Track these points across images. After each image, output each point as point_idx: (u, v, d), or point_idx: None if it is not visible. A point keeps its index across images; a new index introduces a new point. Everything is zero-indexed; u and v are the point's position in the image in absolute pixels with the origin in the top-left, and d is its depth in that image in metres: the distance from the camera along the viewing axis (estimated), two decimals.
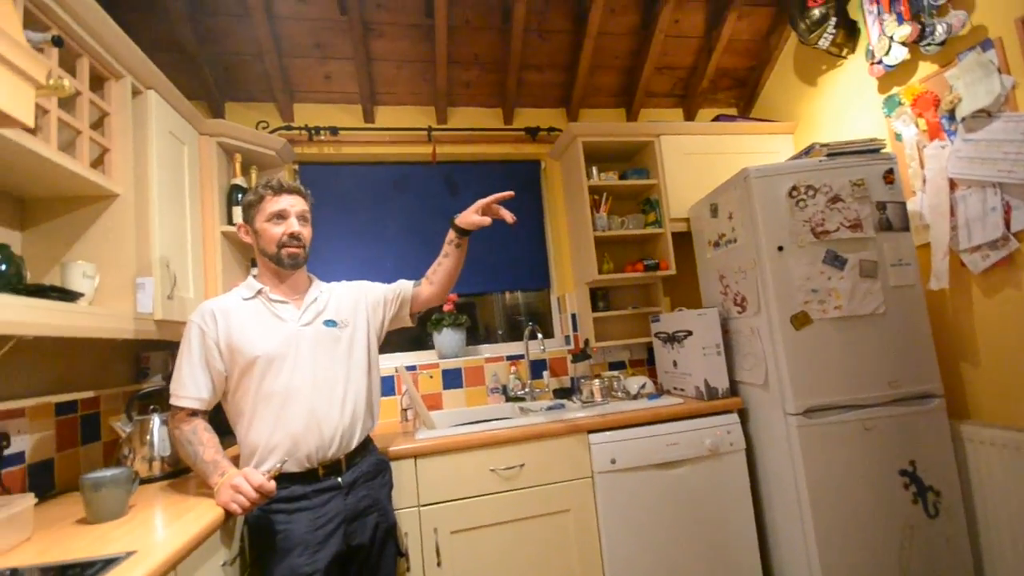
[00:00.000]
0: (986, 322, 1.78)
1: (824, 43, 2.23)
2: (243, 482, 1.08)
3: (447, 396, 2.35)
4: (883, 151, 1.91)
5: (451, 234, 1.48)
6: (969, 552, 1.72)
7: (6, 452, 1.21)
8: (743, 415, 1.95)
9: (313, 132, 2.32)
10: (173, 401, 1.22)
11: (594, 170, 2.42)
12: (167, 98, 1.63)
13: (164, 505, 1.17)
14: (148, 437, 1.44)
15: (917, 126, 1.95)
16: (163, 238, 1.52)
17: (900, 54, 1.94)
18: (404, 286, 1.53)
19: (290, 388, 1.23)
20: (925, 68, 1.92)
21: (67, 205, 1.37)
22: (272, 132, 2.23)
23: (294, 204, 1.32)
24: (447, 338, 2.36)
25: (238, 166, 1.98)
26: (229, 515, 1.09)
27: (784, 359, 1.75)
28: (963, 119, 1.76)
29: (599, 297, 2.49)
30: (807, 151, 1.97)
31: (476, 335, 2.61)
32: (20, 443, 1.28)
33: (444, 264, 1.50)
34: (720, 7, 2.44)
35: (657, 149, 2.41)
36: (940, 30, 1.77)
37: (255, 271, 1.41)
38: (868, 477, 1.71)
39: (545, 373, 2.44)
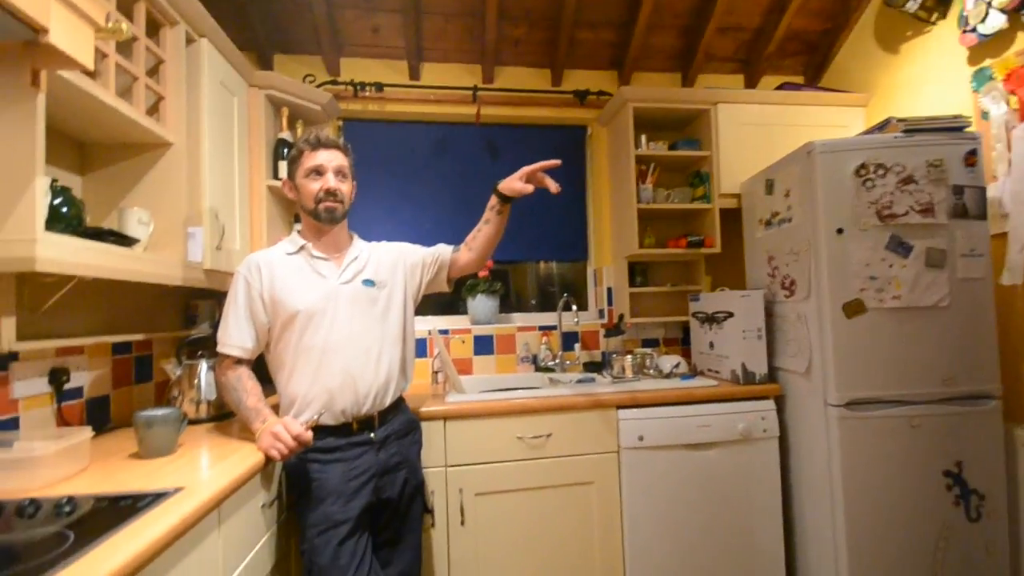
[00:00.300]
0: None
1: (913, 5, 2.03)
2: (283, 430, 1.13)
3: (477, 362, 2.38)
4: (967, 130, 1.74)
5: (493, 200, 1.44)
6: (1008, 559, 1.65)
7: (66, 387, 1.30)
8: (780, 402, 1.89)
9: (358, 88, 2.30)
10: (220, 349, 1.27)
11: (643, 139, 2.32)
12: (219, 47, 1.63)
13: (209, 446, 1.24)
14: (196, 381, 1.52)
15: (1008, 104, 1.76)
16: (213, 189, 1.55)
17: (998, 22, 1.74)
18: (443, 250, 1.52)
19: (328, 344, 1.26)
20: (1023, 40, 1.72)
21: (124, 152, 1.40)
22: (319, 86, 2.22)
23: (331, 159, 1.31)
24: (481, 304, 2.36)
25: (284, 120, 1.99)
26: (269, 460, 1.14)
27: (831, 348, 1.67)
28: None
29: (637, 272, 2.43)
30: (882, 126, 1.81)
31: (508, 303, 2.60)
32: (79, 379, 1.37)
33: (484, 230, 1.47)
34: None
35: (713, 118, 2.28)
36: None
37: (298, 227, 1.43)
38: (909, 475, 1.64)
39: (577, 346, 2.43)
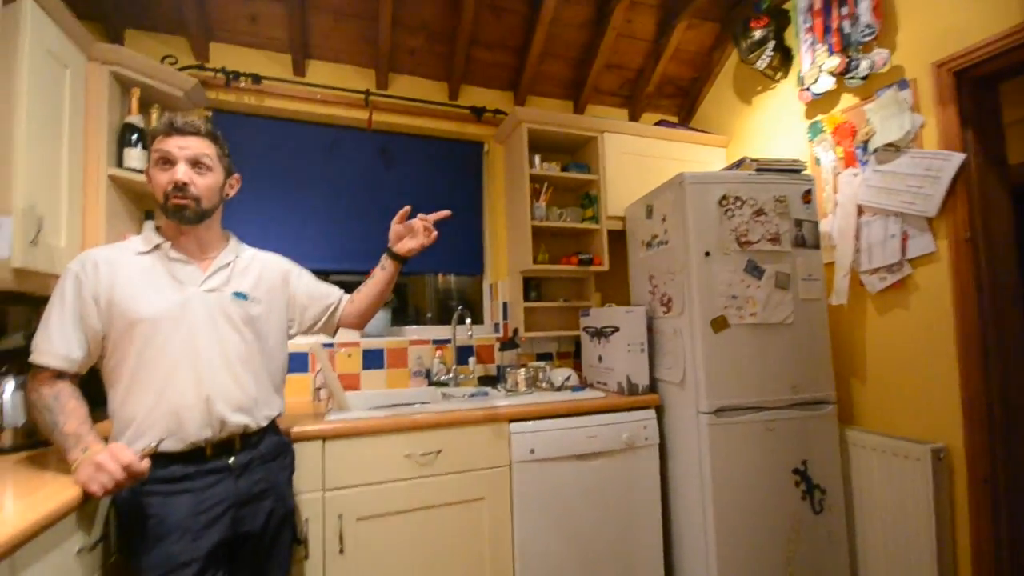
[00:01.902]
0: (877, 338, 1.96)
1: (761, 64, 2.35)
2: (108, 459, 0.93)
3: (366, 376, 2.23)
4: (804, 172, 2.04)
5: (384, 257, 1.39)
6: (847, 547, 1.89)
7: None
8: (660, 412, 2.01)
9: (232, 77, 2.08)
10: (34, 358, 1.03)
11: (537, 159, 2.39)
12: (48, 10, 1.37)
13: (12, 481, 1.00)
14: None
15: (835, 153, 2.10)
16: (30, 174, 1.28)
17: (827, 84, 2.07)
18: (342, 302, 1.42)
19: (179, 358, 1.08)
20: (847, 100, 2.07)
21: None
22: (181, 70, 1.97)
23: (184, 146, 1.13)
24: None
25: (135, 102, 1.72)
26: (89, 495, 0.93)
27: (702, 360, 1.82)
28: (875, 151, 1.91)
29: (532, 287, 2.48)
30: (739, 164, 2.06)
31: (405, 316, 2.50)
32: None
33: (369, 285, 1.42)
34: (671, 15, 2.48)
35: (600, 145, 2.43)
36: (864, 65, 1.90)
37: (152, 223, 1.23)
38: (766, 474, 1.82)
39: (471, 359, 2.39)
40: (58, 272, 1.20)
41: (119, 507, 1.06)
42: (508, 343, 2.36)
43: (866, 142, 1.95)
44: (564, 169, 2.46)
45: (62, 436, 0.99)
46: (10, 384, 1.24)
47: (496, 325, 2.54)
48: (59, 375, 1.05)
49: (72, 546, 0.92)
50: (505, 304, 2.53)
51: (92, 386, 1.10)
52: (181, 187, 1.11)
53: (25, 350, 1.08)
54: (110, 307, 1.07)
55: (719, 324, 1.84)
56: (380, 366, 2.26)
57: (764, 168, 1.99)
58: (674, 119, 2.96)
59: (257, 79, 2.12)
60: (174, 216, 1.13)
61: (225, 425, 1.11)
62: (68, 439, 0.98)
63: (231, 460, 1.12)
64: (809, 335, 1.91)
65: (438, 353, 2.33)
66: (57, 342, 1.04)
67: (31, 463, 1.12)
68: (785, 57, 2.33)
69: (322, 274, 2.34)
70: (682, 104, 2.95)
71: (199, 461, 1.09)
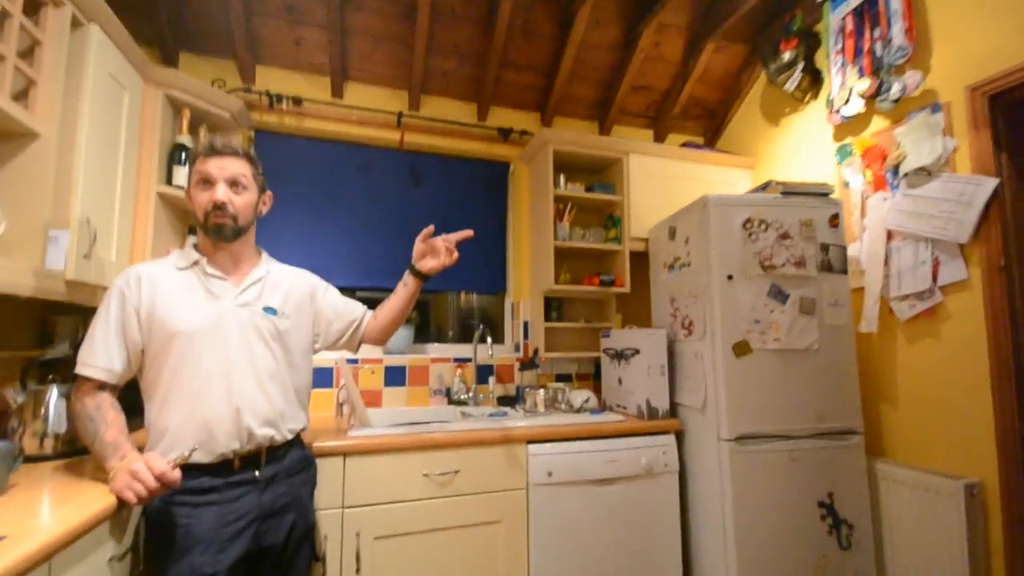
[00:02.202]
0: (907, 367, 1.90)
1: (790, 86, 2.33)
2: (143, 468, 0.97)
3: (388, 394, 2.27)
4: (832, 196, 2.01)
5: (406, 274, 1.43)
6: None
7: None
8: (680, 437, 1.98)
9: (275, 99, 2.19)
10: (79, 370, 1.09)
11: (562, 179, 2.42)
12: (112, 35, 1.48)
13: (51, 487, 1.04)
14: (43, 410, 1.28)
15: (864, 177, 2.06)
16: (87, 189, 1.37)
17: (857, 106, 2.05)
18: (366, 318, 1.46)
19: (212, 371, 1.13)
20: (878, 123, 2.04)
21: None
22: (229, 92, 2.08)
23: (223, 167, 1.18)
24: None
25: (185, 123, 1.83)
26: (123, 504, 0.98)
27: (723, 385, 1.79)
28: (906, 175, 1.87)
29: (553, 307, 2.49)
30: (764, 186, 2.04)
31: (426, 333, 2.54)
32: None
33: (392, 302, 1.45)
34: (699, 38, 2.50)
35: (625, 166, 2.44)
36: (896, 88, 1.88)
37: (193, 239, 1.30)
38: (790, 506, 1.77)
39: (491, 379, 2.40)
40: (106, 284, 1.28)
41: (149, 517, 1.11)
42: (528, 363, 2.37)
43: (897, 166, 1.91)
44: (588, 190, 2.48)
45: (102, 445, 1.04)
46: (55, 392, 1.31)
47: (517, 345, 2.56)
48: (101, 386, 1.11)
49: (104, 554, 0.97)
50: (526, 323, 2.55)
51: (129, 396, 1.16)
52: (220, 206, 1.17)
53: (70, 359, 1.14)
54: (150, 321, 1.13)
55: (741, 349, 1.82)
56: (402, 383, 2.29)
57: (790, 191, 1.97)
58: (700, 140, 2.96)
59: (298, 101, 2.22)
60: (214, 234, 1.19)
61: (252, 437, 1.15)
62: (107, 447, 1.03)
63: (257, 473, 1.16)
64: (835, 362, 1.87)
65: (459, 372, 2.35)
66: (101, 355, 1.10)
67: (69, 470, 1.18)
68: (814, 79, 2.31)
69: (349, 291, 2.43)
70: (708, 126, 2.95)
71: (227, 473, 1.13)
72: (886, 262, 1.94)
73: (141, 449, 1.09)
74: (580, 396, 2.16)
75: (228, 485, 1.12)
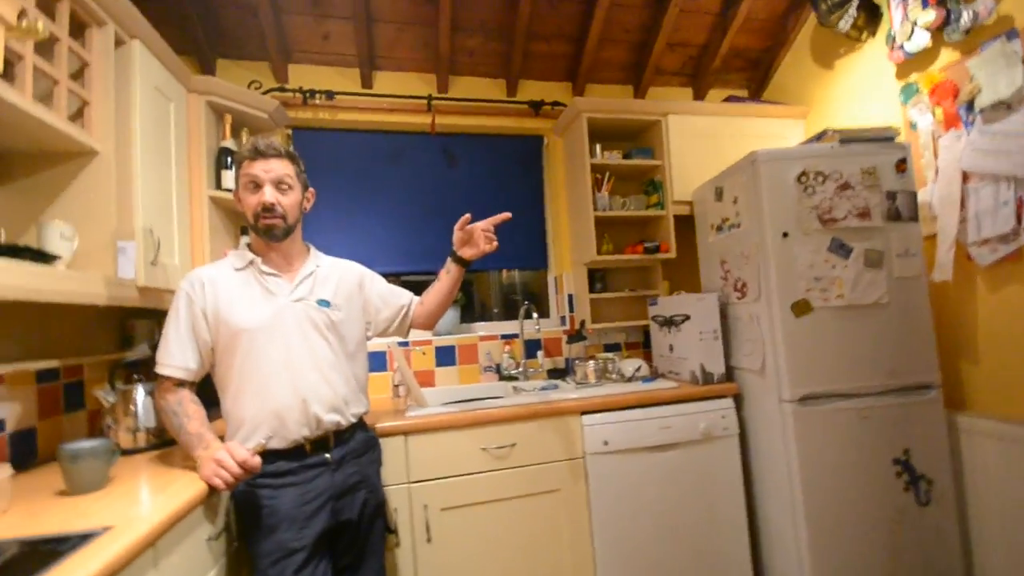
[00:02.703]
0: (989, 315, 1.76)
1: (844, 25, 2.15)
2: (226, 456, 1.05)
3: (440, 373, 2.32)
4: (897, 140, 1.86)
5: (448, 262, 1.44)
6: (958, 540, 1.75)
7: None
8: (738, 401, 1.93)
9: (308, 95, 2.22)
10: (159, 370, 1.18)
11: (597, 148, 2.35)
12: (153, 50, 1.54)
13: (147, 477, 1.14)
14: (132, 407, 1.40)
15: (933, 115, 1.89)
16: (146, 200, 1.45)
17: (922, 40, 1.87)
18: (412, 303, 1.48)
19: (277, 364, 1.19)
20: (946, 56, 1.85)
21: (45, 161, 1.28)
22: (265, 93, 2.13)
23: (269, 169, 1.21)
24: None
25: (228, 127, 1.90)
26: (213, 490, 1.05)
27: (782, 346, 1.73)
28: (981, 110, 1.70)
29: (597, 278, 2.45)
30: (819, 136, 1.91)
31: (471, 312, 2.57)
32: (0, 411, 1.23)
33: (436, 287, 1.47)
34: None
35: (664, 129, 2.34)
36: (966, 17, 1.70)
37: (246, 239, 1.35)
38: (861, 465, 1.71)
39: (539, 353, 2.42)
40: (173, 288, 1.36)
41: (237, 499, 1.19)
42: (575, 335, 2.37)
43: (971, 101, 1.74)
44: (626, 156, 2.41)
45: (187, 436, 1.13)
46: (141, 391, 1.42)
47: (562, 318, 2.55)
48: (180, 383, 1.19)
49: (201, 535, 1.05)
50: (570, 296, 2.53)
51: (207, 390, 1.25)
52: (269, 208, 1.21)
53: (150, 359, 1.23)
54: (216, 321, 1.19)
55: (801, 308, 1.74)
56: (452, 363, 2.34)
57: (849, 139, 1.83)
58: (744, 94, 2.79)
59: (330, 95, 2.25)
60: (265, 235, 1.24)
61: (320, 423, 1.21)
62: (192, 439, 1.12)
63: (328, 455, 1.22)
64: (907, 315, 1.76)
65: (507, 348, 2.38)
66: (176, 355, 1.17)
67: (161, 460, 1.28)
68: (871, 16, 2.12)
69: (394, 276, 2.48)
70: (752, 77, 2.78)
71: (301, 457, 1.20)
72: (962, 205, 1.79)
73: (222, 438, 1.17)
74: (631, 365, 2.14)
75: (303, 468, 1.19)
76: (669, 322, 2.13)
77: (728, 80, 2.76)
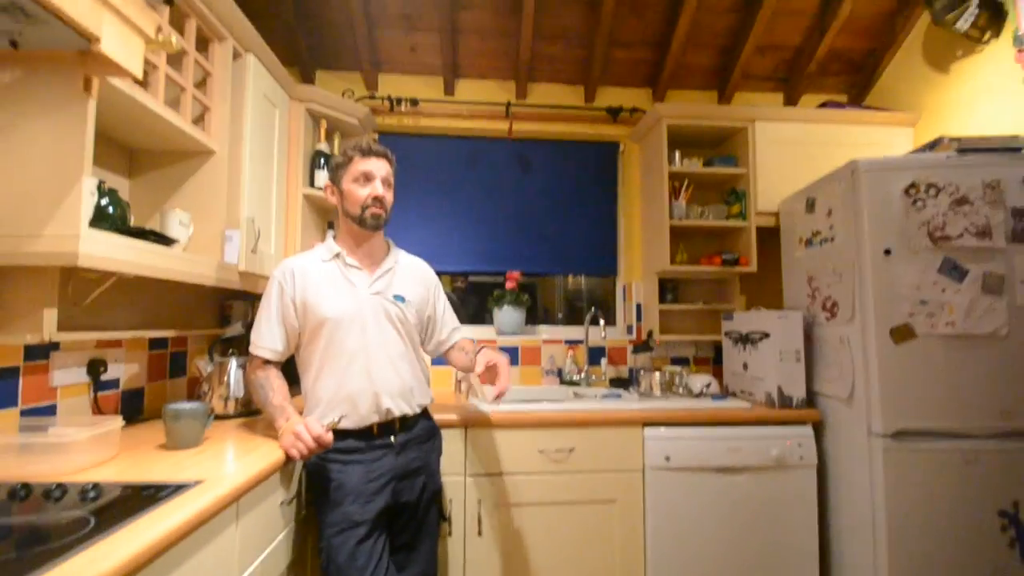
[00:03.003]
0: None
1: (963, 25, 1.94)
2: (303, 430, 1.13)
3: None
4: None
5: (475, 354, 1.46)
6: None
7: (103, 378, 1.35)
8: (818, 429, 1.79)
9: (395, 103, 2.36)
10: (252, 350, 1.31)
11: (676, 155, 2.28)
12: (264, 62, 1.71)
13: (235, 441, 1.26)
14: (226, 378, 1.55)
15: None
16: (251, 195, 1.61)
17: None
18: (450, 339, 1.53)
19: (354, 352, 1.27)
20: None
21: (170, 158, 1.47)
22: (357, 101, 2.29)
23: (380, 167, 1.33)
24: (507, 315, 2.35)
25: (323, 132, 2.06)
26: (289, 459, 1.14)
27: (876, 373, 1.57)
28: None
29: (668, 289, 2.38)
30: (932, 145, 1.73)
31: (534, 316, 2.58)
32: (116, 371, 1.42)
33: (461, 359, 1.52)
34: None
35: (750, 136, 2.23)
36: None
37: (332, 233, 1.46)
38: (961, 513, 1.52)
39: (603, 360, 2.38)
40: (267, 274, 1.49)
41: (309, 470, 1.29)
42: (642, 346, 2.30)
43: None
44: (707, 164, 2.32)
45: (271, 408, 1.24)
46: (234, 364, 1.57)
47: (629, 327, 2.49)
48: (267, 362, 1.31)
49: (277, 499, 1.15)
50: (639, 306, 2.47)
51: (289, 370, 1.35)
52: (379, 199, 1.32)
53: (244, 337, 1.36)
54: (304, 308, 1.29)
55: (902, 334, 1.58)
56: (515, 363, 2.36)
57: (968, 148, 1.64)
58: (843, 99, 2.59)
59: (415, 102, 2.37)
60: (370, 224, 1.33)
61: (389, 411, 1.28)
62: (275, 410, 1.23)
63: (393, 439, 1.29)
64: None
65: (570, 353, 2.36)
66: (267, 337, 1.30)
67: (247, 427, 1.41)
68: (995, 14, 1.90)
69: (462, 275, 2.55)
70: (853, 81, 2.57)
71: (368, 438, 1.27)
72: None
73: (301, 412, 1.27)
74: (700, 380, 2.04)
75: (370, 447, 1.27)
76: (745, 339, 2.01)
77: (824, 84, 2.58)
